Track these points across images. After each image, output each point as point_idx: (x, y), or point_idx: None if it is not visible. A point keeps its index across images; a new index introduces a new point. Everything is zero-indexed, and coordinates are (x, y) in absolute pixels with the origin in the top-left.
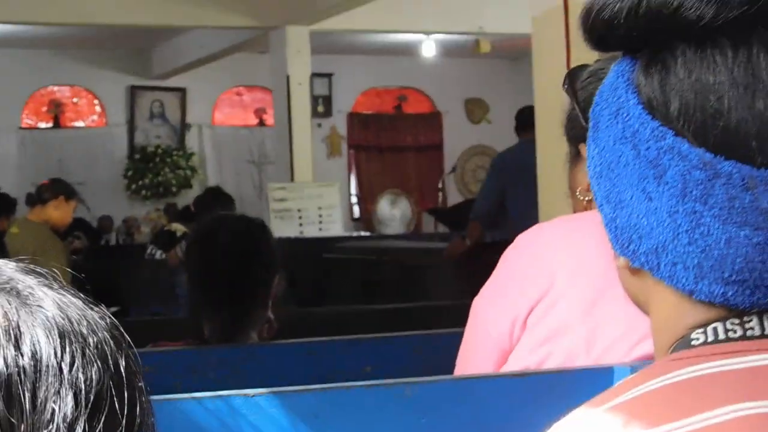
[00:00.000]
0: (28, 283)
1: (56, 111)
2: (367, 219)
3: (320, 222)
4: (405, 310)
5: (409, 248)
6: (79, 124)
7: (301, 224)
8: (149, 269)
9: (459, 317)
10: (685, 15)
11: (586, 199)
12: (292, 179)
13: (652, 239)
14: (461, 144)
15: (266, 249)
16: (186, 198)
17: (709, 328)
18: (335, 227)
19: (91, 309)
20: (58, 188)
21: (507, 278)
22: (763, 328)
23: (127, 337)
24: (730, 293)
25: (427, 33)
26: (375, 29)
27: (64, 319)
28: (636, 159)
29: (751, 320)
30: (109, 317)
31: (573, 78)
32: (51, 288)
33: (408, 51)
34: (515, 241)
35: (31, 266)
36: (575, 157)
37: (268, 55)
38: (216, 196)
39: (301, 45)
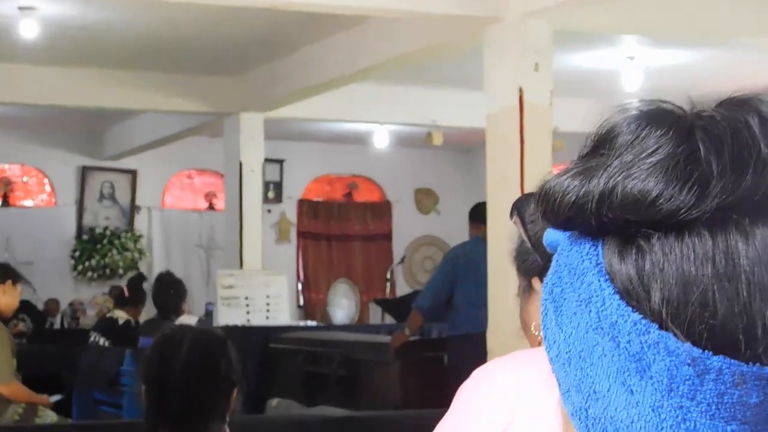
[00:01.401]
0: None
1: (5, 189)
2: (311, 307)
3: (268, 310)
4: (349, 420)
5: (355, 341)
6: (28, 203)
7: (248, 312)
8: (93, 355)
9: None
10: (663, 206)
11: (542, 335)
12: (241, 265)
13: None
14: (410, 234)
15: (226, 364)
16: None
17: None
18: (282, 316)
19: None
20: (5, 273)
21: (463, 413)
22: None
23: None
24: None
25: (380, 123)
26: (329, 118)
27: None
28: (615, 351)
29: None
30: None
31: (521, 209)
32: None
33: (360, 140)
34: (472, 374)
35: None
36: (527, 290)
37: (221, 139)
38: (139, 283)
39: (255, 132)
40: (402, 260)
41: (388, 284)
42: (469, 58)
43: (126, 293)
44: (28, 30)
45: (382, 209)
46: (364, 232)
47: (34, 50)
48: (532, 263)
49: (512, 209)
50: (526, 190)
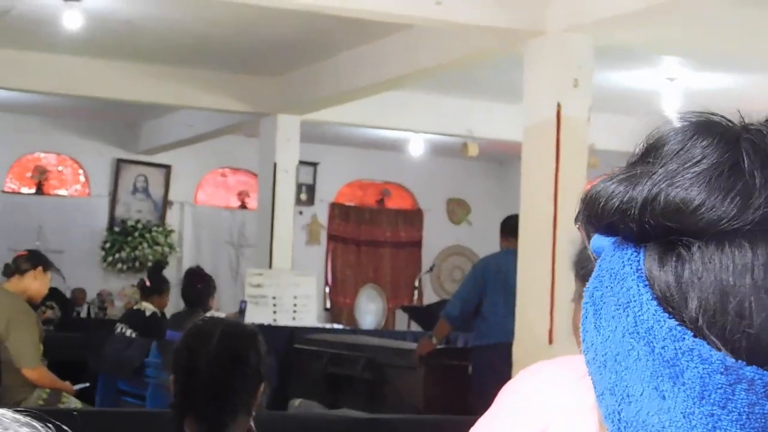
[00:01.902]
0: None
1: (40, 177)
2: (337, 311)
3: (294, 311)
4: (373, 422)
5: (380, 346)
6: (62, 192)
7: (275, 311)
8: (119, 345)
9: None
10: (704, 215)
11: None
12: (270, 264)
13: None
14: (440, 243)
15: (255, 358)
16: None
17: None
18: (309, 317)
19: None
20: (36, 259)
21: (502, 413)
22: None
23: None
24: None
25: (416, 131)
26: (364, 124)
27: None
28: (650, 355)
29: None
30: None
31: None
32: None
33: (395, 147)
34: (518, 374)
35: (28, 418)
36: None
37: (256, 139)
38: (158, 271)
39: (291, 133)
40: (431, 269)
41: (416, 292)
42: (508, 70)
43: (147, 283)
44: (72, 21)
45: (413, 217)
46: (395, 238)
47: (76, 41)
48: (591, 270)
49: (577, 214)
50: (560, 205)
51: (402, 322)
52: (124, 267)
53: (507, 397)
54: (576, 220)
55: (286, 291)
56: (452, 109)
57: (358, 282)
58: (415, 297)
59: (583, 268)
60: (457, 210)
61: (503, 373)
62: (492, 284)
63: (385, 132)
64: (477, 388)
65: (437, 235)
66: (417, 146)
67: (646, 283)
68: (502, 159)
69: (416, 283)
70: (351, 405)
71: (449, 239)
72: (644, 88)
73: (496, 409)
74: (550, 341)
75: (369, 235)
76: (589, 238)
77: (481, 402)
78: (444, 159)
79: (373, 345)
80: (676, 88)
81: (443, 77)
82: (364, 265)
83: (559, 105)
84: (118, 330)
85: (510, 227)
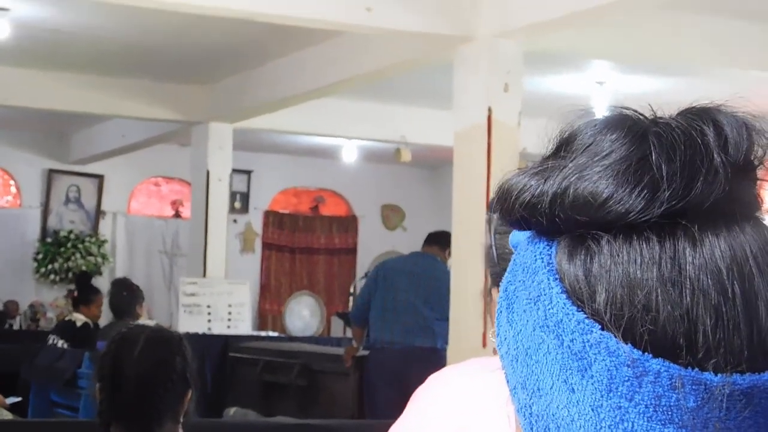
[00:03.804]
0: None
1: None
2: (271, 318)
3: (229, 319)
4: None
5: (314, 352)
6: None
7: (209, 320)
8: (51, 357)
9: None
10: (612, 208)
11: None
12: (204, 273)
13: (572, 431)
14: (375, 249)
15: (181, 364)
16: (95, 284)
17: None
18: (243, 325)
19: None
20: None
21: (415, 419)
22: None
23: None
24: None
25: (349, 138)
26: (297, 131)
27: None
28: (559, 349)
29: None
30: None
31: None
32: None
33: (328, 154)
34: (426, 381)
35: None
36: (489, 293)
37: (189, 148)
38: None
39: (223, 141)
40: (366, 275)
41: (351, 298)
42: (440, 75)
43: (75, 293)
44: (0, 31)
45: (348, 223)
46: (329, 245)
47: (3, 51)
48: (497, 270)
49: (490, 207)
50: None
51: (338, 328)
52: (57, 278)
53: (417, 404)
54: (489, 211)
55: (221, 299)
56: (385, 116)
57: (293, 289)
58: (350, 303)
59: (493, 266)
60: (392, 216)
61: (384, 377)
62: (383, 286)
63: (318, 139)
64: (367, 392)
65: (372, 241)
66: (350, 153)
67: (557, 276)
68: (435, 164)
69: (351, 290)
70: (286, 412)
71: (384, 245)
72: (574, 92)
73: (408, 416)
74: (484, 345)
75: (304, 242)
76: (498, 233)
77: (370, 407)
78: (377, 165)
79: (307, 351)
80: (605, 91)
81: (375, 84)
82: (299, 273)
83: (489, 110)
84: (50, 341)
85: (433, 236)
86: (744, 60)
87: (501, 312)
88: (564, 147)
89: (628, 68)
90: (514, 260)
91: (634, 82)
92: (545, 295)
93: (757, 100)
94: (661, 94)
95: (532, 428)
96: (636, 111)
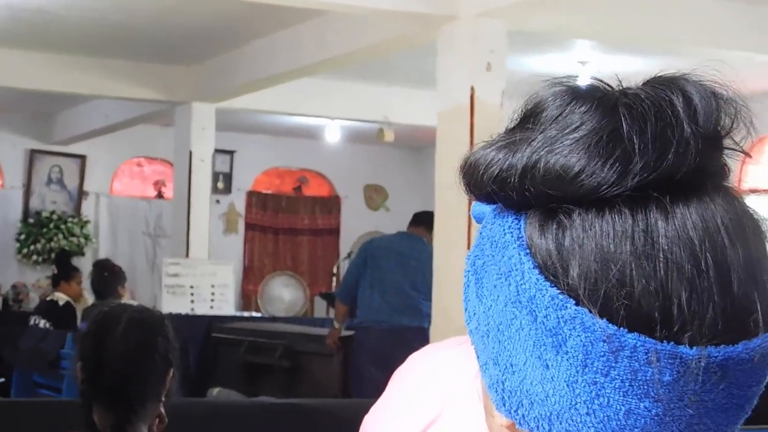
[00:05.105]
0: None
1: None
2: (254, 299)
3: (212, 300)
4: (290, 406)
5: (297, 333)
6: None
7: (192, 301)
8: (34, 338)
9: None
10: (584, 181)
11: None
12: (187, 254)
13: (546, 407)
14: (358, 230)
15: (163, 344)
16: (77, 265)
17: None
18: (227, 306)
19: None
20: None
21: (395, 399)
22: None
23: None
24: None
25: (332, 118)
26: (280, 111)
27: None
28: (533, 325)
29: None
30: None
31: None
32: None
33: (311, 134)
34: (407, 360)
35: None
36: None
37: (172, 128)
38: (64, 259)
39: (206, 122)
40: (349, 255)
41: (335, 279)
42: (423, 55)
43: (55, 271)
44: None
45: (331, 204)
46: (312, 226)
47: None
48: None
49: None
50: None
51: (321, 309)
52: (40, 259)
53: (398, 383)
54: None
55: (204, 280)
56: (368, 96)
57: (276, 270)
58: (334, 284)
59: None
60: (375, 196)
61: (370, 356)
62: (371, 265)
63: (301, 119)
64: (353, 372)
65: (355, 222)
66: (333, 133)
67: (528, 251)
68: (418, 145)
69: (335, 270)
70: (270, 393)
71: (367, 225)
72: (557, 72)
73: (387, 397)
74: None
75: (287, 223)
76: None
77: (356, 387)
78: (361, 145)
79: (291, 332)
80: (587, 71)
81: (358, 63)
82: (282, 253)
83: (472, 89)
84: (32, 321)
85: (421, 219)
86: (728, 40)
87: (469, 286)
88: (531, 119)
89: (611, 48)
90: (481, 233)
91: (617, 62)
92: (516, 270)
93: (743, 81)
94: (644, 74)
95: (504, 404)
96: (602, 81)
